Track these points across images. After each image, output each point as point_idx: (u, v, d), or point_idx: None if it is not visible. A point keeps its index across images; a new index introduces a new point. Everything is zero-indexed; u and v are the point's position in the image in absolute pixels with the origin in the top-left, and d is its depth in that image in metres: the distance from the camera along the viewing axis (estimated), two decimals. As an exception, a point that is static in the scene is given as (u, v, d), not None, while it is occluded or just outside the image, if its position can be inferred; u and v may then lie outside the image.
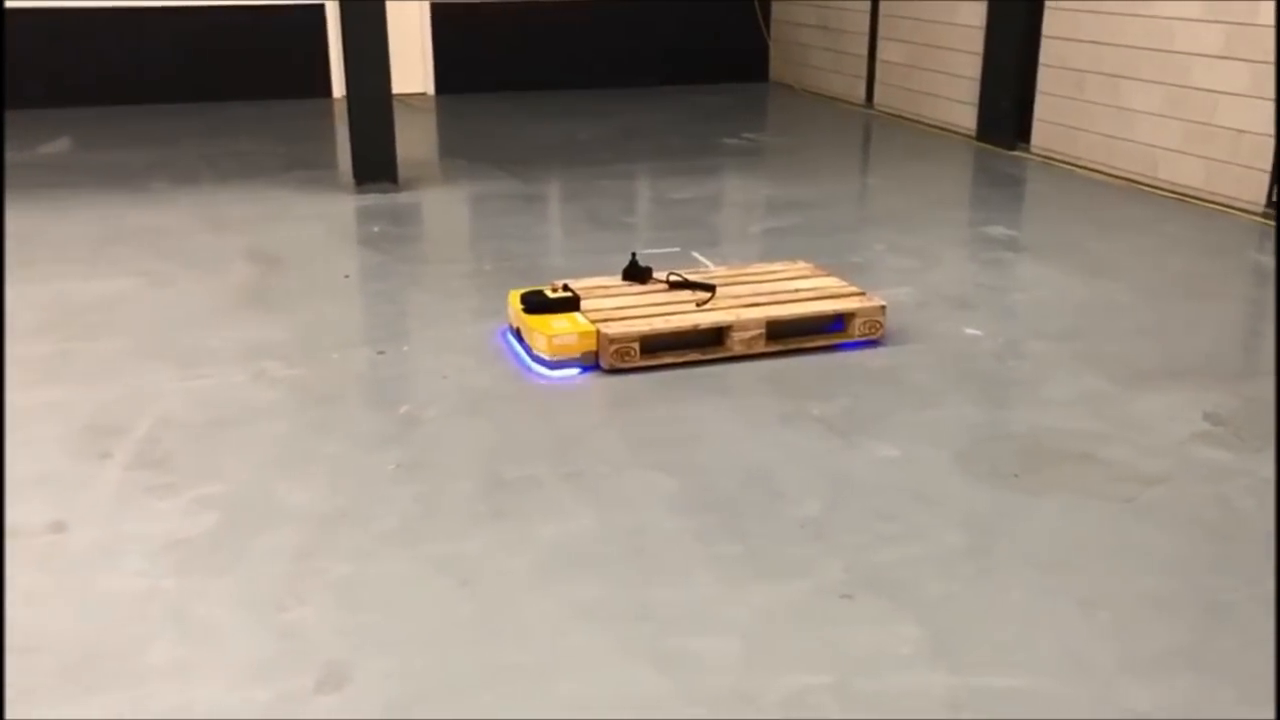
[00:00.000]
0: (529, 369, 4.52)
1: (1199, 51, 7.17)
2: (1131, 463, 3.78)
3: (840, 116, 10.81)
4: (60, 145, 9.22)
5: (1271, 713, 2.61)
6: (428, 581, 3.08)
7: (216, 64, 11.17)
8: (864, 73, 11.05)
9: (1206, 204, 7.17)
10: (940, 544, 3.29)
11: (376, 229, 6.77)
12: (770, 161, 8.98)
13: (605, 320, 4.56)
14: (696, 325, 4.60)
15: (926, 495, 3.56)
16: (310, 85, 11.50)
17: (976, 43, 9.28)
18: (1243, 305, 5.59)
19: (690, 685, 2.67)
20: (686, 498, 3.53)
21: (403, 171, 7.70)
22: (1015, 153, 8.87)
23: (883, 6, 10.67)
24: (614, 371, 4.45)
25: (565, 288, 4.81)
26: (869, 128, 10.33)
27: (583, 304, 4.70)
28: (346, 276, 5.83)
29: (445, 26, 11.85)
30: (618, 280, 5.06)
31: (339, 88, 11.30)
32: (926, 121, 10.10)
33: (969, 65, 9.41)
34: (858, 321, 4.74)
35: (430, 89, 11.98)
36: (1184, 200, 7.30)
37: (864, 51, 11.00)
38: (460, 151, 9.29)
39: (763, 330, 4.62)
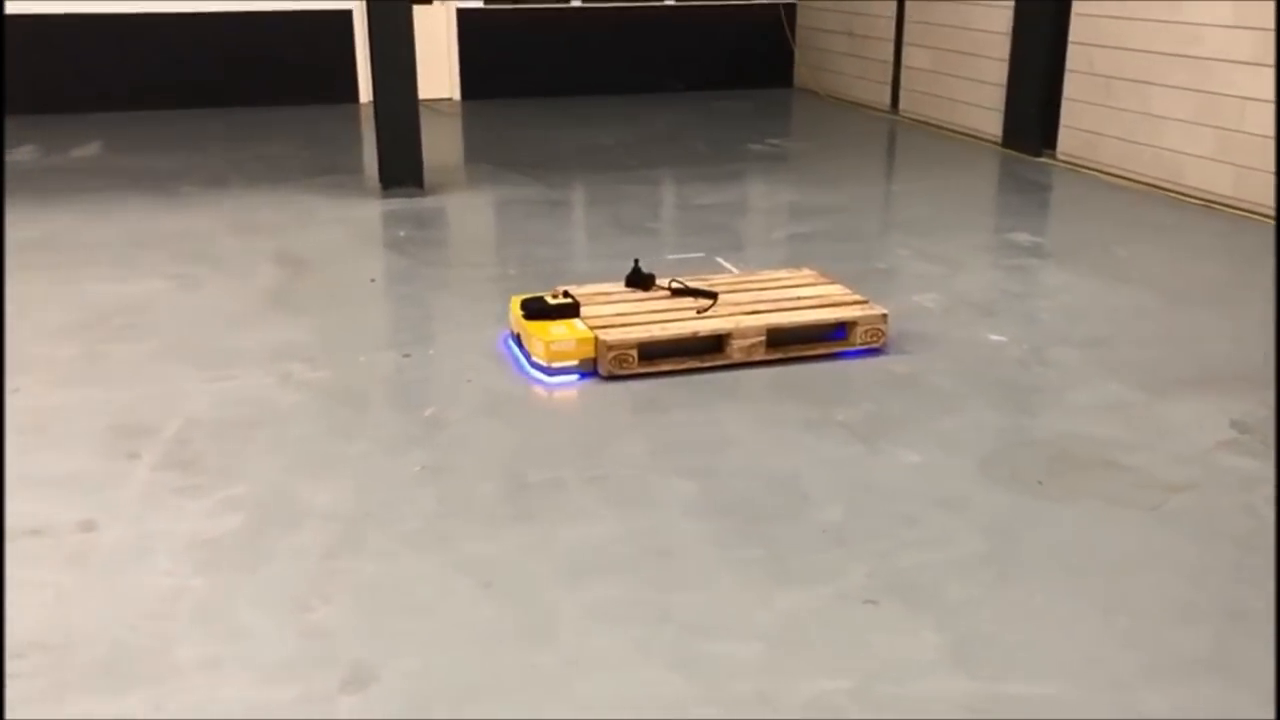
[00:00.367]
0: (529, 375, 4.52)
1: (1228, 57, 7.13)
2: (1157, 470, 3.76)
3: (865, 122, 10.80)
4: (91, 149, 9.32)
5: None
6: (451, 582, 3.10)
7: (245, 69, 11.28)
8: (889, 78, 11.03)
9: (1234, 210, 7.12)
10: (963, 550, 3.28)
11: (402, 233, 6.82)
12: (795, 167, 8.98)
13: (604, 327, 4.55)
14: (696, 332, 4.58)
15: (949, 501, 3.55)
16: (337, 91, 11.59)
17: (1002, 49, 9.26)
18: (1270, 313, 5.54)
19: (711, 688, 2.67)
20: (709, 502, 3.54)
21: (428, 176, 7.75)
22: (1041, 159, 8.83)
23: (908, 12, 10.65)
24: (614, 378, 4.42)
25: (565, 294, 4.80)
26: (894, 133, 10.32)
27: (583, 310, 4.69)
28: (372, 280, 5.88)
29: (471, 32, 11.91)
30: (620, 287, 5.05)
31: (366, 93, 11.40)
32: (951, 127, 10.08)
33: (995, 71, 9.39)
34: (859, 330, 4.71)
35: (456, 94, 12.05)
36: (1211, 207, 7.25)
37: (889, 57, 10.99)
38: (485, 156, 9.33)
39: (762, 338, 4.59)
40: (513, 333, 4.83)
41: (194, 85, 11.18)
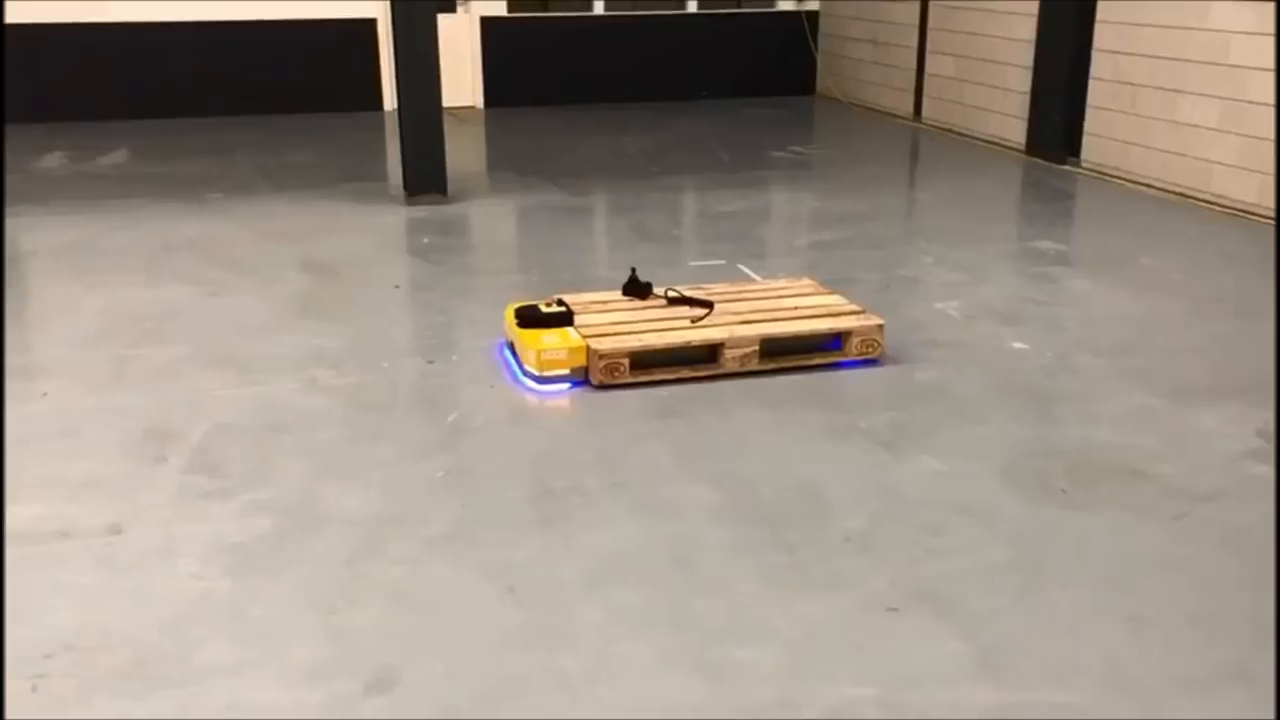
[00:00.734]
0: (521, 383, 4.52)
1: (1256, 65, 7.09)
2: (1182, 479, 3.74)
3: (888, 130, 10.78)
4: (118, 156, 9.42)
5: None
6: (475, 587, 3.12)
7: (271, 78, 11.36)
8: (912, 86, 11.02)
9: (1261, 219, 7.07)
10: (987, 558, 3.27)
11: (426, 240, 6.86)
12: (818, 175, 8.98)
13: (597, 335, 4.53)
14: (689, 342, 4.56)
15: (973, 509, 3.54)
16: (362, 99, 11.66)
17: (1026, 56, 9.23)
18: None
19: (734, 694, 2.68)
20: (731, 509, 3.54)
21: (452, 184, 7.79)
22: (1065, 167, 8.80)
23: (932, 20, 10.64)
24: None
25: (559, 302, 4.80)
26: (917, 141, 10.30)
27: (578, 319, 4.68)
28: (397, 287, 5.91)
29: (494, 40, 11.97)
30: (617, 295, 5.04)
31: (390, 101, 11.46)
32: (976, 135, 10.05)
33: (1019, 79, 9.36)
34: (854, 340, 4.66)
35: (479, 102, 12.10)
36: (1238, 215, 7.21)
37: (913, 65, 10.98)
38: (508, 164, 9.37)
39: (756, 348, 4.56)
40: (508, 341, 4.82)
41: (220, 93, 11.28)
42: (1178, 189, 7.77)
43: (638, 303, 4.96)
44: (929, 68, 10.77)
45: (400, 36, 7.46)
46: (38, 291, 5.97)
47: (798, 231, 7.38)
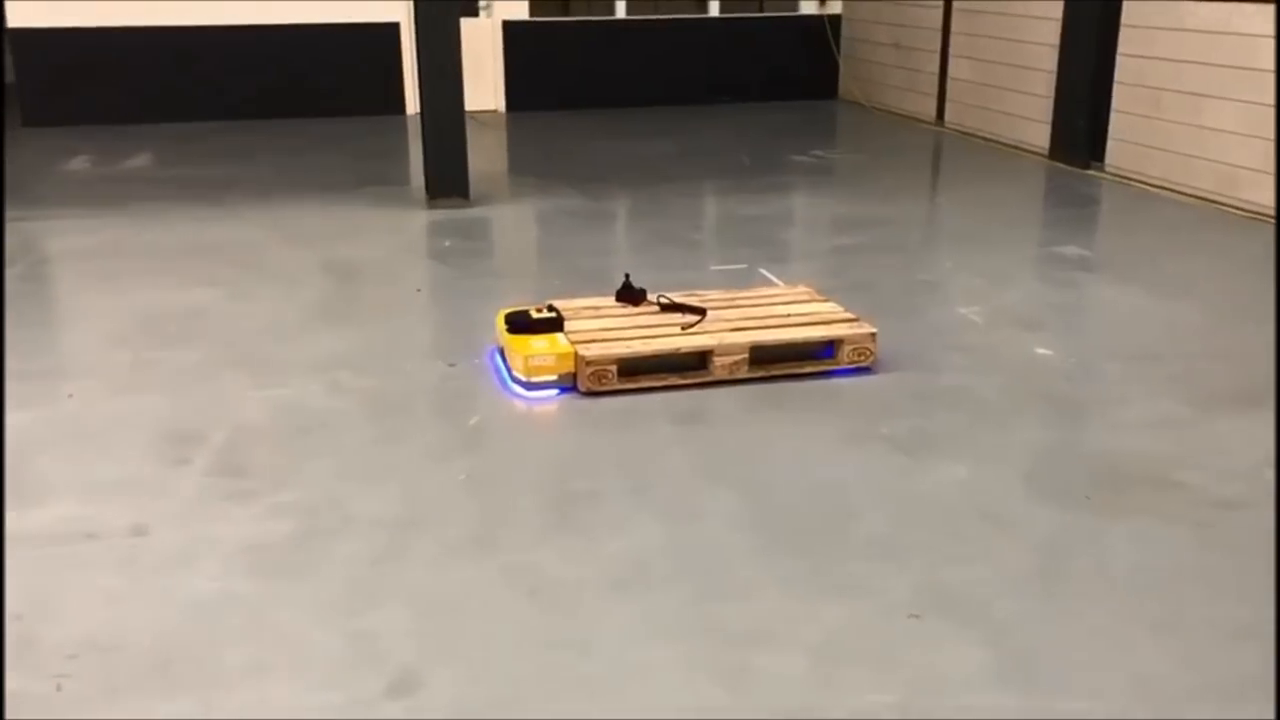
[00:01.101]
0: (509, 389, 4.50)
1: (1281, 69, 7.04)
2: (1208, 487, 3.71)
3: (911, 134, 10.75)
4: (142, 160, 9.48)
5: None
6: (497, 590, 3.12)
7: (294, 82, 11.42)
8: (935, 90, 10.99)
9: (1288, 225, 7.02)
10: (1010, 565, 3.25)
11: (448, 243, 6.88)
12: (840, 179, 8.96)
13: (587, 342, 4.51)
14: (677, 349, 4.52)
15: (996, 516, 3.52)
16: (385, 102, 11.70)
17: (1050, 61, 9.19)
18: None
19: (756, 700, 2.67)
20: (753, 514, 3.54)
21: (474, 187, 7.81)
22: (1089, 172, 8.76)
23: (955, 24, 10.61)
24: (591, 394, 4.38)
25: (550, 308, 4.78)
26: (940, 145, 10.27)
27: (568, 325, 4.65)
28: (418, 290, 5.93)
29: (516, 44, 12.00)
30: (610, 301, 5.01)
31: (413, 105, 11.50)
32: (998, 140, 10.01)
33: (1042, 83, 9.32)
34: (846, 348, 4.62)
35: (501, 106, 12.13)
36: (1264, 221, 7.15)
37: (935, 69, 10.95)
38: (530, 168, 9.40)
39: (746, 355, 4.52)
40: (499, 347, 4.80)
41: (243, 97, 11.34)
42: (1202, 194, 7.71)
43: (630, 309, 4.92)
44: (952, 72, 10.73)
45: (423, 40, 7.48)
46: (63, 294, 6.02)
47: (819, 236, 7.37)
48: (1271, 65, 7.10)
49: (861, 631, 2.94)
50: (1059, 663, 2.82)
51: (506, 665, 2.81)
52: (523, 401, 4.40)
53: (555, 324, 4.65)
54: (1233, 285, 5.95)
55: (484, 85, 11.82)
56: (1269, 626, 2.92)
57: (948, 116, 10.84)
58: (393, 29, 11.59)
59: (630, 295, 5.00)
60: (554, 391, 4.43)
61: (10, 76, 12.98)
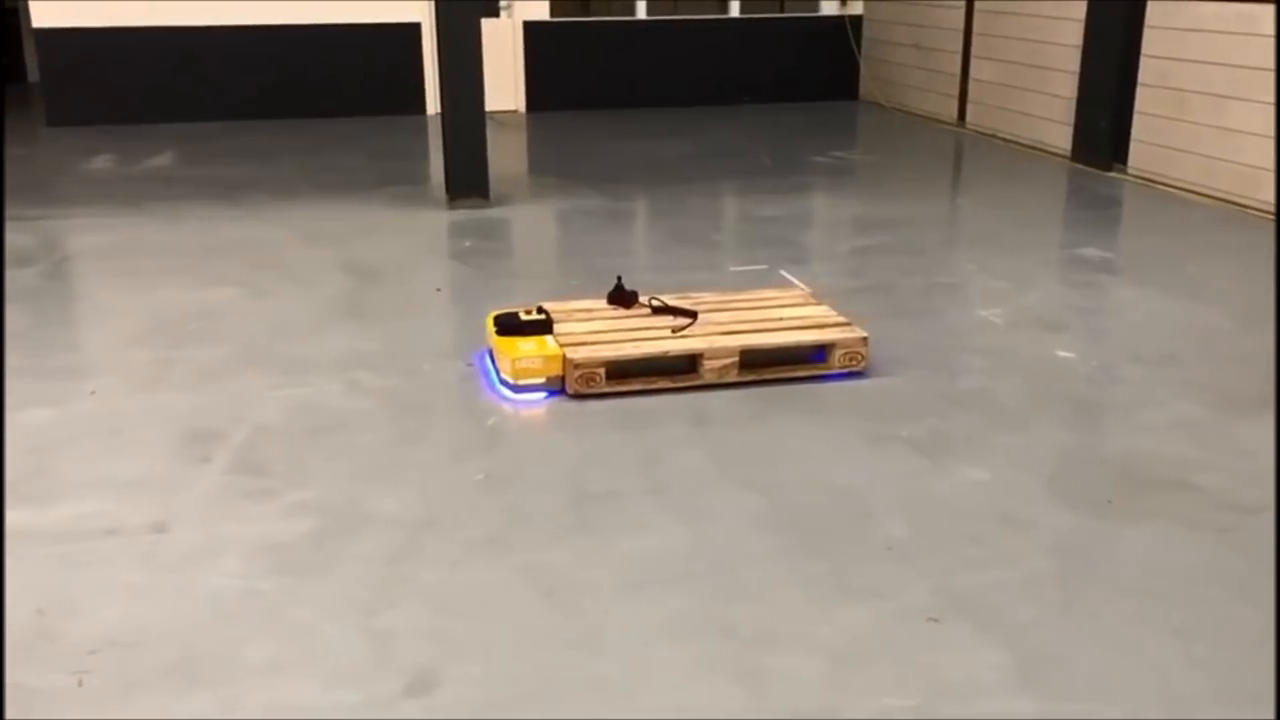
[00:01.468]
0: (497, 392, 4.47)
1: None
2: (1230, 491, 3.68)
3: (931, 135, 10.72)
4: (164, 159, 9.54)
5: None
6: (514, 590, 3.12)
7: (315, 82, 11.47)
8: (956, 91, 10.95)
9: (1312, 227, 6.96)
10: (1030, 569, 3.24)
11: (468, 243, 6.89)
12: (860, 180, 8.93)
13: (576, 344, 4.48)
14: (666, 352, 4.49)
15: (1016, 519, 3.51)
16: (405, 103, 11.74)
17: (1072, 62, 9.14)
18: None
19: (773, 703, 2.66)
20: (771, 515, 3.53)
21: (494, 187, 7.82)
22: (1111, 173, 8.70)
23: (976, 25, 10.57)
24: (579, 397, 4.36)
25: (540, 310, 4.76)
26: (961, 147, 10.23)
27: (559, 327, 4.63)
28: (438, 289, 5.94)
29: (537, 45, 12.02)
30: (602, 304, 4.98)
31: (433, 105, 11.53)
32: (1020, 141, 9.97)
33: (1064, 84, 9.27)
34: (838, 353, 4.57)
35: (521, 106, 12.15)
36: (1288, 223, 7.09)
37: (957, 70, 10.91)
38: (550, 168, 9.41)
39: (735, 359, 4.48)
40: (489, 349, 4.77)
41: (265, 97, 11.40)
42: (1226, 196, 7.66)
43: (621, 311, 4.90)
44: (973, 73, 10.69)
45: (444, 40, 7.50)
46: (84, 292, 6.06)
47: (839, 237, 7.35)
48: (1297, 66, 7.05)
49: (880, 634, 2.93)
50: (1078, 667, 2.80)
51: (523, 664, 2.81)
52: (540, 403, 4.40)
53: (544, 326, 4.63)
54: (1255, 288, 5.90)
55: (504, 85, 11.84)
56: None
57: (969, 117, 10.80)
58: (414, 29, 11.62)
59: (622, 297, 4.97)
60: (541, 394, 4.40)
61: (34, 76, 13.10)
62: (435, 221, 7.37)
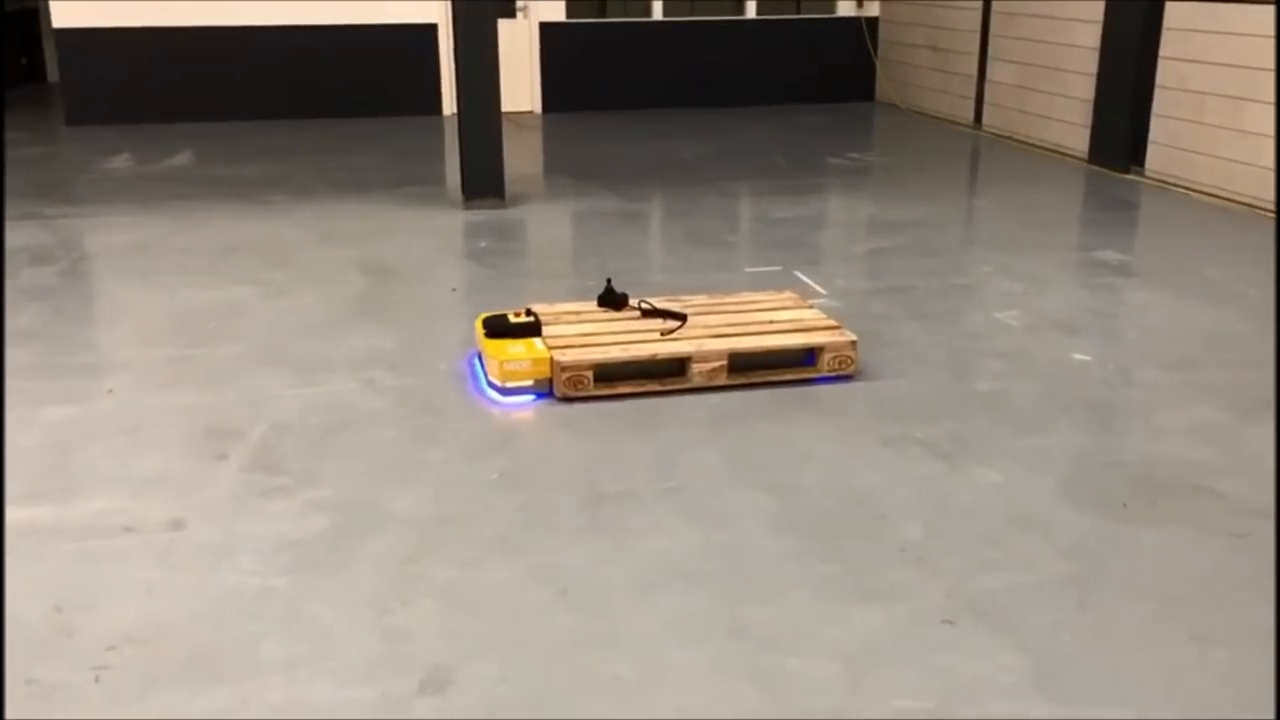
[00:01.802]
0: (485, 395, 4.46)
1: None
2: (1248, 496, 3.66)
3: (948, 137, 10.69)
4: (183, 159, 9.59)
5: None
6: (529, 590, 3.13)
7: (332, 82, 11.51)
8: (973, 93, 10.92)
9: (1332, 231, 6.92)
10: (1045, 572, 3.23)
11: (483, 244, 6.91)
12: (875, 181, 8.92)
13: (564, 347, 4.47)
14: (655, 355, 4.47)
15: (1031, 522, 3.50)
16: (422, 103, 11.78)
17: (1090, 64, 9.11)
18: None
19: (787, 704, 2.66)
20: (786, 517, 3.53)
21: (509, 188, 7.84)
22: (1129, 176, 8.67)
23: (993, 27, 10.54)
24: (567, 400, 4.35)
25: (528, 312, 4.75)
26: (977, 149, 10.20)
27: (548, 330, 4.62)
28: (454, 289, 5.96)
29: (553, 46, 12.03)
30: (592, 306, 4.97)
31: (450, 106, 11.56)
32: (1036, 143, 9.93)
33: (1082, 86, 9.24)
34: (826, 356, 4.55)
35: (537, 107, 12.17)
36: (1308, 227, 7.06)
37: (973, 72, 10.88)
38: (565, 169, 9.42)
39: (724, 362, 4.46)
40: (478, 351, 4.76)
41: (282, 97, 11.45)
42: (1245, 199, 7.62)
43: (611, 314, 4.88)
44: (990, 74, 10.66)
45: (461, 42, 7.52)
46: (103, 290, 6.09)
47: (855, 238, 7.34)
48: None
49: (895, 636, 2.93)
50: (1094, 670, 2.79)
51: (540, 664, 2.82)
52: (555, 402, 4.41)
53: (533, 329, 4.62)
54: (1273, 291, 5.86)
55: (520, 86, 11.87)
56: (1309, 638, 2.88)
57: (985, 119, 10.77)
58: (431, 30, 11.66)
59: (612, 300, 4.95)
60: (529, 397, 4.39)
61: (54, 75, 13.18)
62: (451, 222, 7.39)
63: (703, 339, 4.59)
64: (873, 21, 12.53)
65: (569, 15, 12.04)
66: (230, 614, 3.01)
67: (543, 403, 4.40)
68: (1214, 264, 6.33)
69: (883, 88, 12.58)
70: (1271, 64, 7.35)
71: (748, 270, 6.30)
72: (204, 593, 3.12)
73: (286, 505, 3.59)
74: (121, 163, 9.41)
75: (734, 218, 7.79)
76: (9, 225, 7.17)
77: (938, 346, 5.04)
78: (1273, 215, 7.33)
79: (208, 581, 3.17)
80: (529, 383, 4.40)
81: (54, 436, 4.07)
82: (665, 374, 4.48)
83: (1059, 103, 9.59)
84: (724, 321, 4.79)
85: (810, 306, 5.02)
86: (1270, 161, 7.40)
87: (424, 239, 6.94)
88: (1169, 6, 8.26)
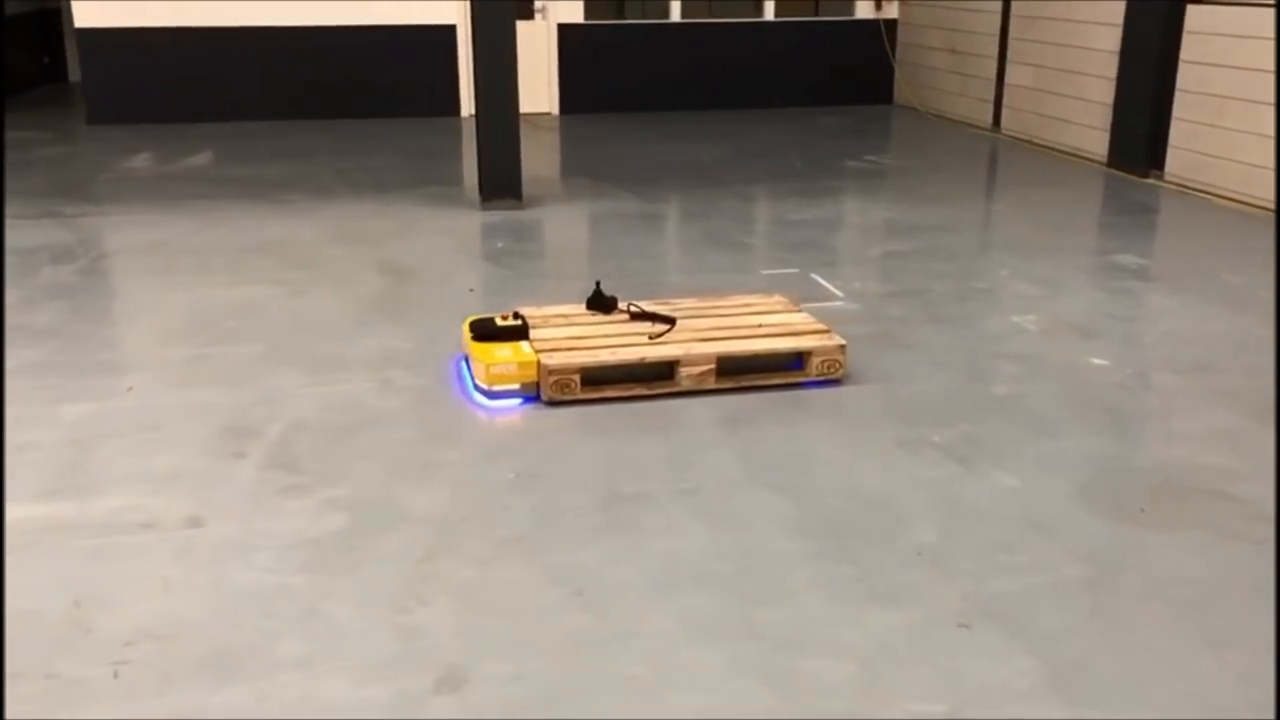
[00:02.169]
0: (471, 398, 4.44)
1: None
2: (1266, 501, 3.64)
3: (966, 140, 10.66)
4: (203, 158, 9.64)
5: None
6: (544, 589, 3.14)
7: (351, 83, 11.55)
8: (991, 96, 10.89)
9: (1353, 236, 6.87)
10: (1061, 576, 3.22)
11: (500, 244, 6.92)
12: (893, 184, 8.90)
13: (551, 350, 4.45)
14: (643, 358, 4.45)
15: (1047, 526, 3.49)
16: (440, 104, 11.81)
17: (1109, 67, 9.07)
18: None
19: (801, 705, 2.66)
20: (801, 519, 3.53)
21: (527, 189, 7.85)
22: (1148, 180, 8.63)
23: (1012, 30, 10.51)
24: (554, 404, 4.33)
25: (516, 315, 4.74)
26: (995, 152, 10.17)
27: (536, 333, 4.61)
28: (471, 290, 5.97)
29: (571, 47, 12.05)
30: (581, 309, 4.95)
31: (468, 106, 11.59)
32: (1055, 146, 9.90)
33: (1101, 90, 9.20)
34: (815, 360, 4.53)
35: (555, 109, 12.19)
36: (1329, 232, 7.01)
37: (992, 75, 10.85)
38: (582, 170, 9.43)
39: (712, 366, 4.45)
40: (465, 354, 4.74)
41: (302, 97, 11.49)
42: (1265, 204, 7.57)
43: (600, 317, 4.86)
44: (1009, 78, 10.62)
45: (479, 43, 7.54)
46: (123, 289, 6.13)
47: (871, 241, 7.32)
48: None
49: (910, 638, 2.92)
50: (1109, 676, 2.78)
51: (555, 663, 2.82)
52: (572, 404, 4.42)
53: (520, 332, 4.61)
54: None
55: (538, 88, 11.89)
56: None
57: (1004, 122, 10.73)
58: (449, 31, 11.69)
59: (601, 303, 4.93)
60: (516, 401, 4.37)
61: (75, 75, 13.27)
62: (468, 222, 7.41)
63: (691, 343, 4.57)
64: (891, 24, 12.50)
65: (587, 17, 12.05)
66: (247, 611, 3.03)
67: (543, 405, 4.40)
68: (1233, 269, 6.30)
69: (901, 90, 12.56)
70: (1293, 68, 7.31)
71: (764, 272, 6.30)
72: (221, 590, 3.14)
73: (304, 503, 3.61)
74: (141, 162, 9.47)
75: (751, 220, 7.79)
76: (30, 224, 7.22)
77: (954, 349, 5.03)
78: (1293, 220, 7.30)
79: (225, 578, 3.19)
80: (515, 386, 4.37)
81: (74, 434, 4.11)
82: (653, 378, 4.46)
83: (1078, 106, 9.56)
84: (713, 325, 4.77)
85: (799, 310, 5.00)
86: (1291, 166, 7.36)
87: (441, 239, 6.96)
88: (1190, 9, 8.22)
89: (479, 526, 3.48)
